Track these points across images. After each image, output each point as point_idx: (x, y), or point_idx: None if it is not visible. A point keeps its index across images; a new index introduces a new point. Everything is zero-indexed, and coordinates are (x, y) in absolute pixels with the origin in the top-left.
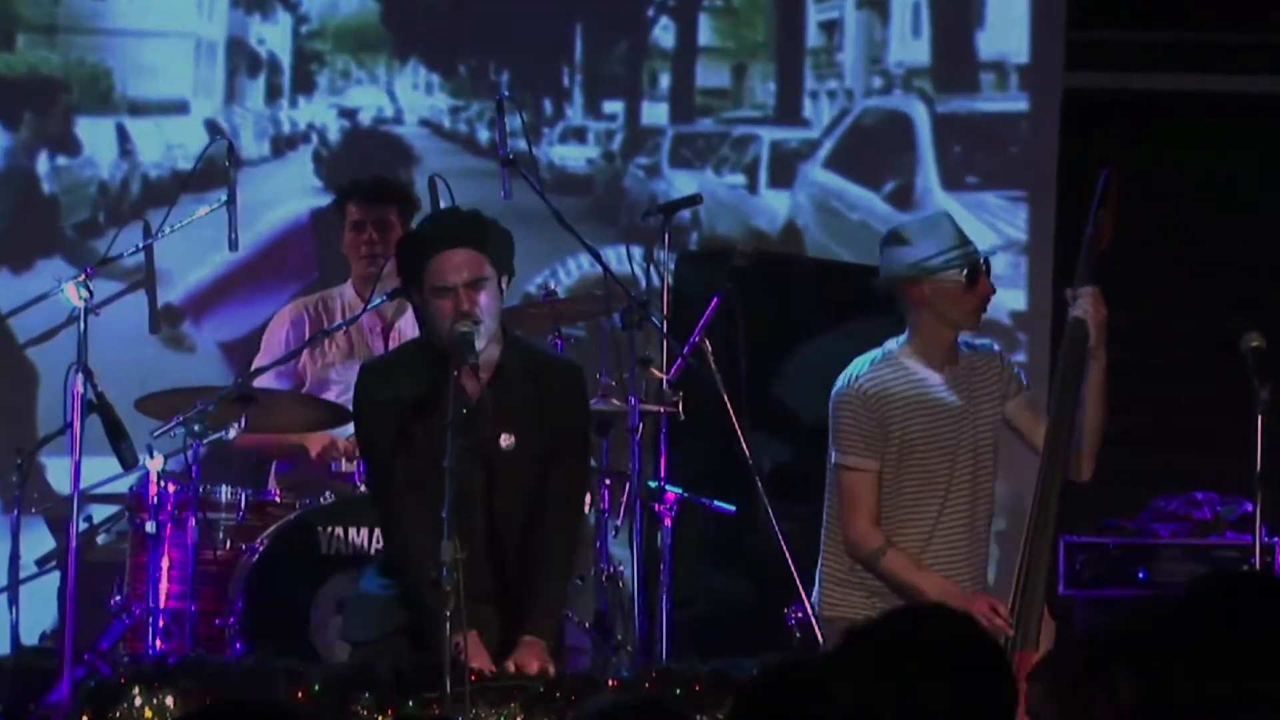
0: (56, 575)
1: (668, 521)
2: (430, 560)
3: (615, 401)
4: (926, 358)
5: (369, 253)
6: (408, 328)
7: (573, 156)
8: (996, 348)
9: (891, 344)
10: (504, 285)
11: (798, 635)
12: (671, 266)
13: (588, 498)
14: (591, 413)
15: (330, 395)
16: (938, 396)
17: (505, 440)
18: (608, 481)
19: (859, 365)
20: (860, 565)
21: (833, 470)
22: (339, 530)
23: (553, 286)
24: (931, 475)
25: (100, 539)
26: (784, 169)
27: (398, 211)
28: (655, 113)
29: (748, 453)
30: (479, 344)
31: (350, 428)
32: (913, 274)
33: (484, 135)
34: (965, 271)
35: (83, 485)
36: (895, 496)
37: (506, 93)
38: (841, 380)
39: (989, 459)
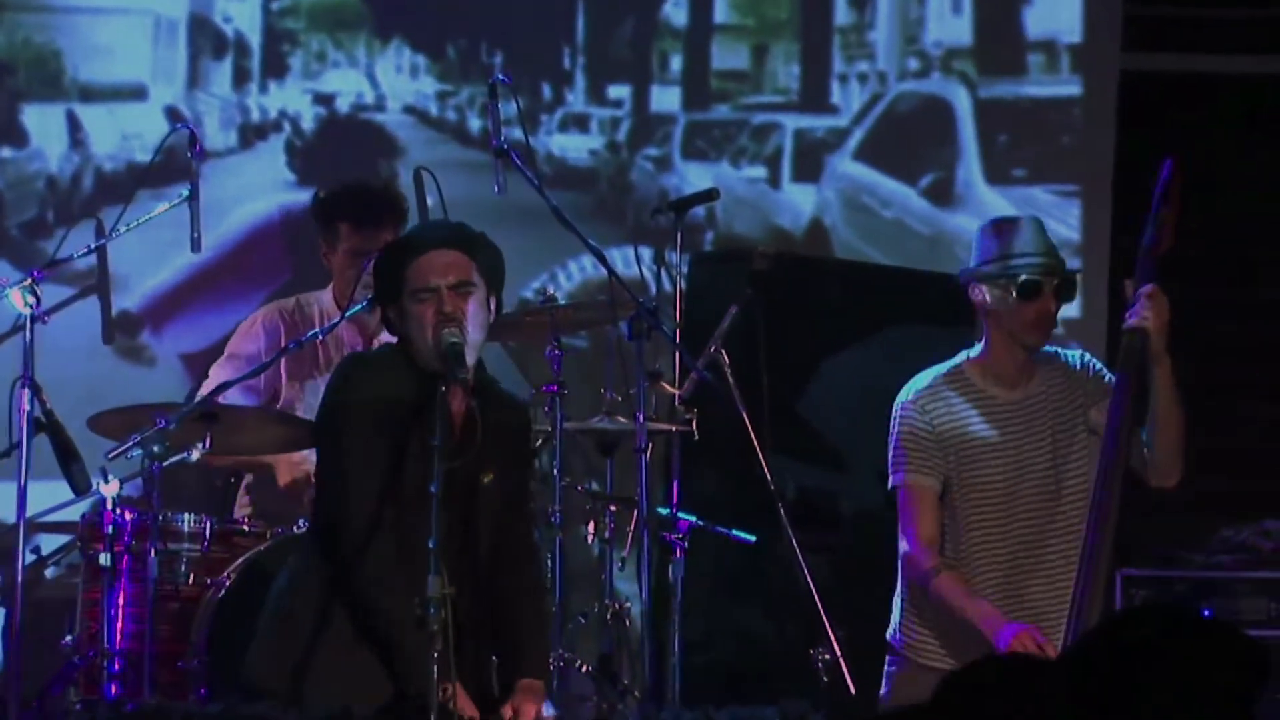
0: (0, 613)
1: (680, 553)
2: (403, 594)
3: (621, 420)
4: (997, 374)
5: (360, 276)
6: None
7: (574, 147)
8: (1077, 355)
9: (963, 356)
10: (492, 306)
11: (825, 679)
12: (684, 270)
13: (590, 526)
14: (596, 432)
15: (304, 412)
16: (1000, 422)
17: (486, 476)
18: (613, 509)
19: (923, 378)
20: (917, 587)
21: (892, 490)
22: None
23: (551, 292)
24: (993, 510)
25: (49, 573)
26: (809, 161)
27: (393, 228)
28: (666, 98)
29: (769, 477)
30: (468, 357)
31: None
32: (966, 278)
33: (475, 124)
34: (1020, 283)
35: (29, 513)
36: (962, 532)
37: (500, 76)
38: (902, 394)
39: (1070, 494)
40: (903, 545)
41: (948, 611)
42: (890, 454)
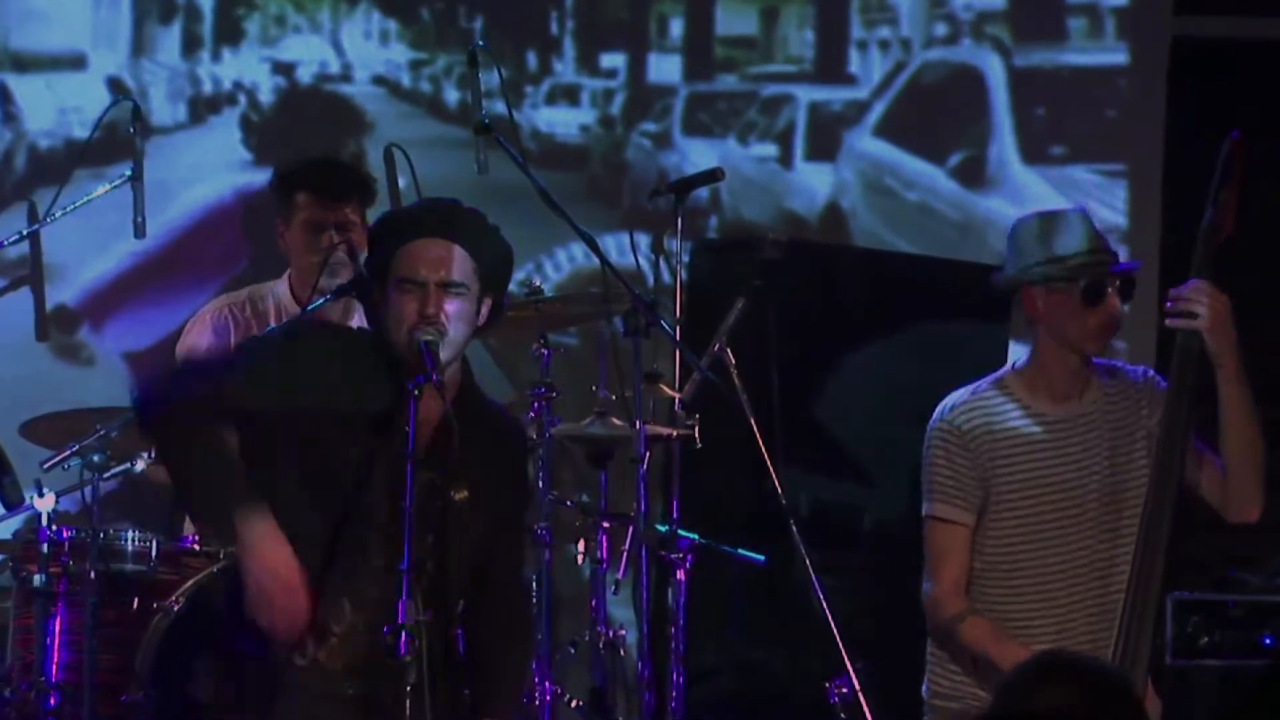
0: None
1: (681, 574)
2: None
3: (616, 424)
4: (1048, 386)
5: (327, 259)
6: None
7: (563, 122)
8: (1142, 370)
9: (1008, 367)
10: (483, 311)
11: (843, 717)
12: (686, 258)
13: (581, 544)
14: (588, 438)
15: None
16: (1054, 437)
17: (459, 493)
18: (606, 525)
19: (961, 394)
20: (940, 635)
21: (923, 520)
22: None
23: (538, 284)
24: (1048, 539)
25: None
26: (825, 138)
27: (358, 205)
28: (665, 67)
29: (780, 490)
30: (443, 356)
31: None
32: (1015, 280)
33: (452, 96)
34: (1083, 286)
35: None
36: (1005, 561)
37: (480, 43)
38: (938, 412)
39: (1126, 515)
40: (926, 586)
41: (977, 662)
42: (925, 478)
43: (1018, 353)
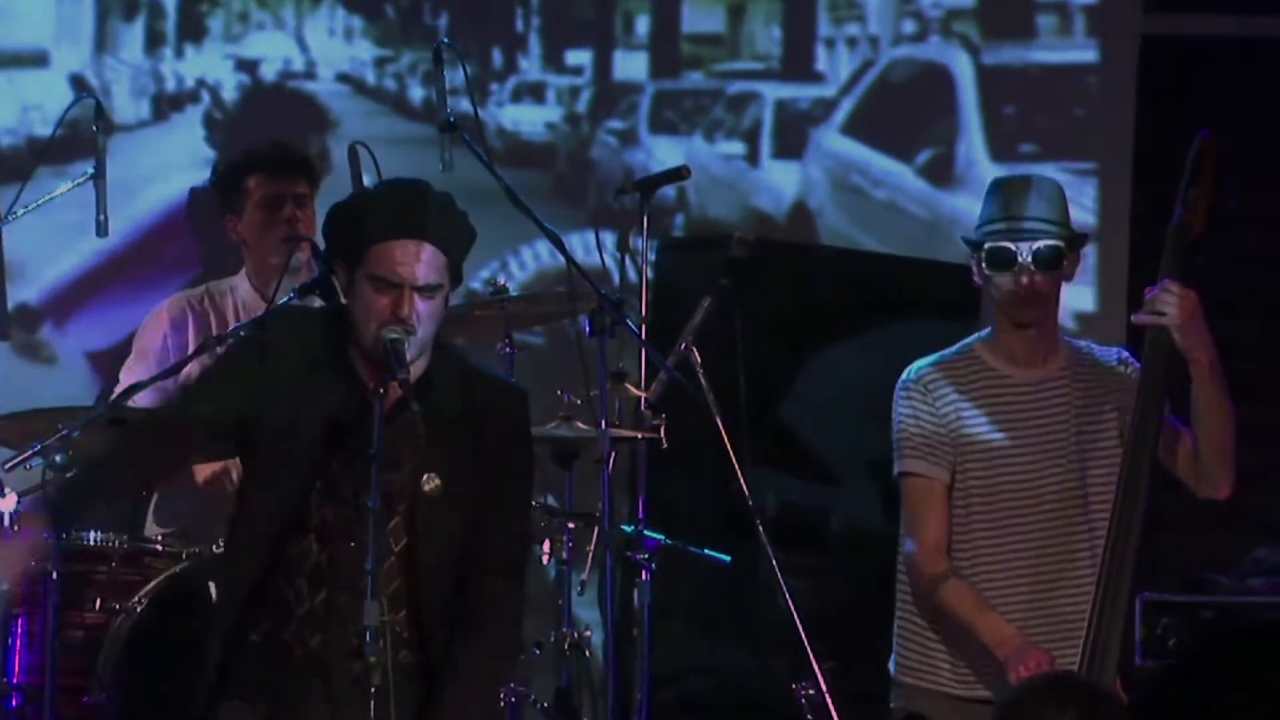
0: None
1: (646, 576)
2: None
3: (581, 426)
4: (1007, 355)
5: (289, 234)
6: None
7: (528, 120)
8: (1117, 353)
9: (974, 337)
10: (450, 299)
11: (809, 718)
12: (652, 257)
13: (546, 545)
14: (553, 440)
15: None
16: (1014, 402)
17: (429, 483)
18: (571, 526)
19: (928, 358)
20: (921, 596)
21: (897, 480)
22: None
23: (503, 282)
24: (1013, 506)
25: None
26: (792, 136)
27: (308, 184)
28: (631, 65)
29: (747, 490)
30: (408, 354)
31: None
32: (972, 243)
33: (417, 93)
34: (986, 251)
35: None
36: (977, 535)
37: (445, 40)
38: (904, 377)
39: (1105, 490)
40: (905, 546)
41: (956, 624)
42: (895, 443)
43: None
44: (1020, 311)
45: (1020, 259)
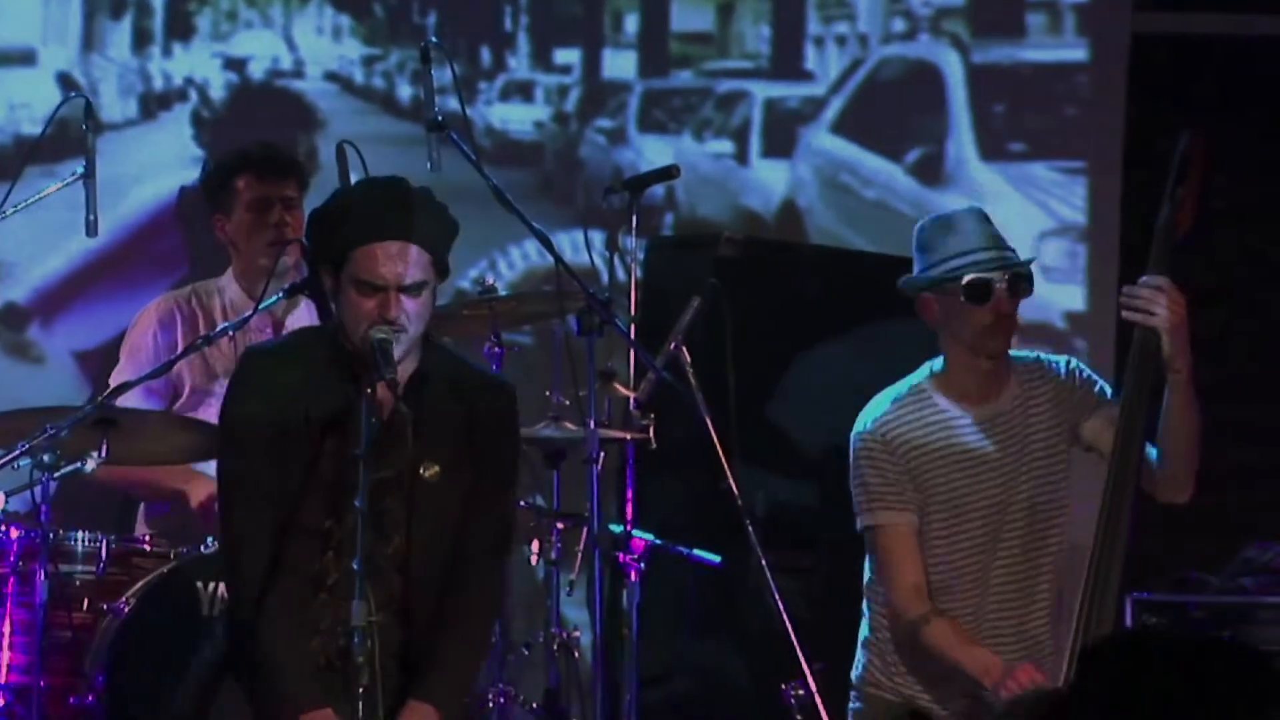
0: None
1: (635, 576)
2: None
3: (570, 426)
4: (961, 391)
5: (277, 238)
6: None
7: (517, 118)
8: (1063, 362)
9: (923, 373)
10: (436, 289)
11: (798, 717)
12: (641, 256)
13: (535, 545)
14: (541, 440)
15: (211, 416)
16: (972, 443)
17: (429, 470)
18: (560, 526)
19: (881, 403)
20: (902, 638)
21: (864, 534)
22: (224, 586)
23: (491, 281)
24: (970, 541)
25: None
26: (782, 134)
27: (297, 185)
28: (620, 63)
29: (736, 490)
30: (396, 353)
31: None
32: (913, 287)
33: (405, 92)
34: (964, 284)
35: None
36: (936, 570)
37: (434, 38)
38: (860, 423)
39: (1052, 513)
40: (884, 590)
41: (941, 659)
42: (855, 491)
43: None
44: (991, 343)
45: (997, 288)
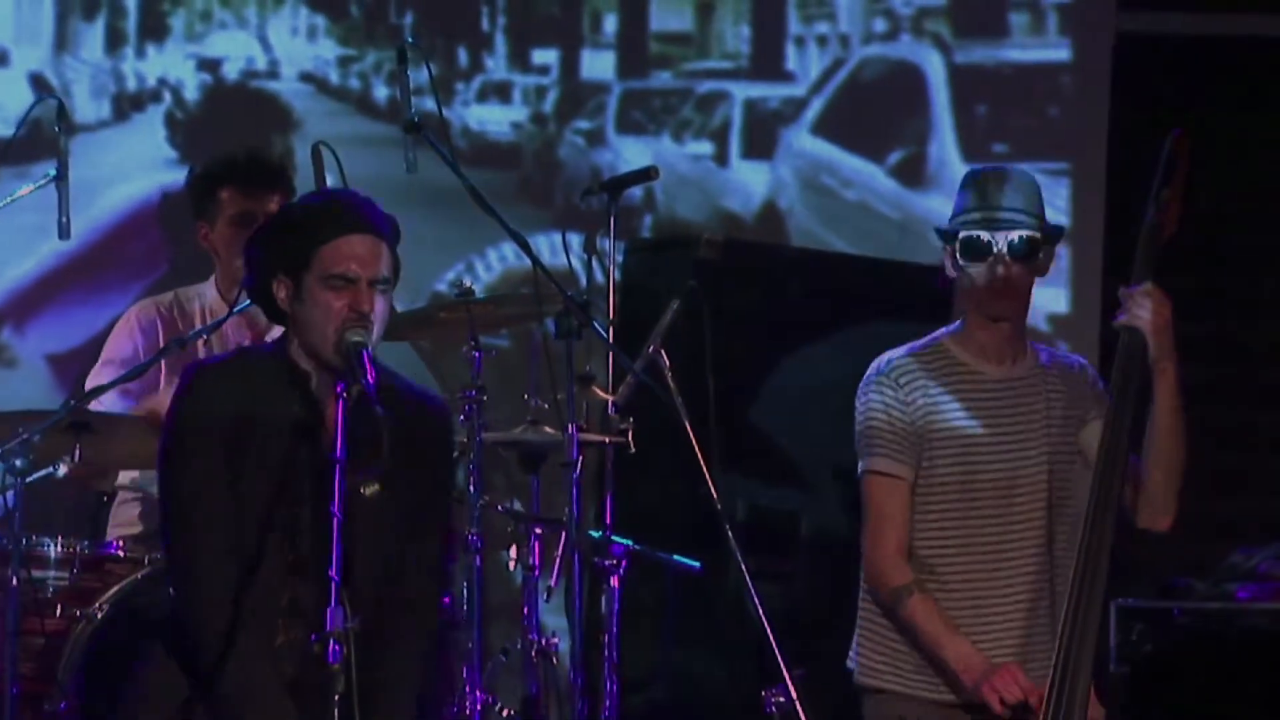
0: None
1: (615, 581)
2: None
3: (548, 430)
4: (978, 347)
5: None
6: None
7: (494, 120)
8: (1078, 360)
9: (942, 331)
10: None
11: None
12: (619, 259)
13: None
14: (519, 444)
15: None
16: (987, 399)
17: (369, 488)
18: (538, 531)
19: (897, 352)
20: (879, 605)
21: (860, 478)
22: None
23: (468, 284)
24: (982, 507)
25: None
26: (762, 135)
27: (281, 199)
28: (598, 64)
29: (716, 495)
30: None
31: None
32: (943, 236)
33: (381, 93)
34: (960, 241)
35: None
36: (933, 529)
37: (410, 39)
38: (875, 365)
39: (1065, 492)
40: (866, 549)
41: (918, 642)
42: (860, 439)
43: None
44: (994, 304)
45: (996, 249)
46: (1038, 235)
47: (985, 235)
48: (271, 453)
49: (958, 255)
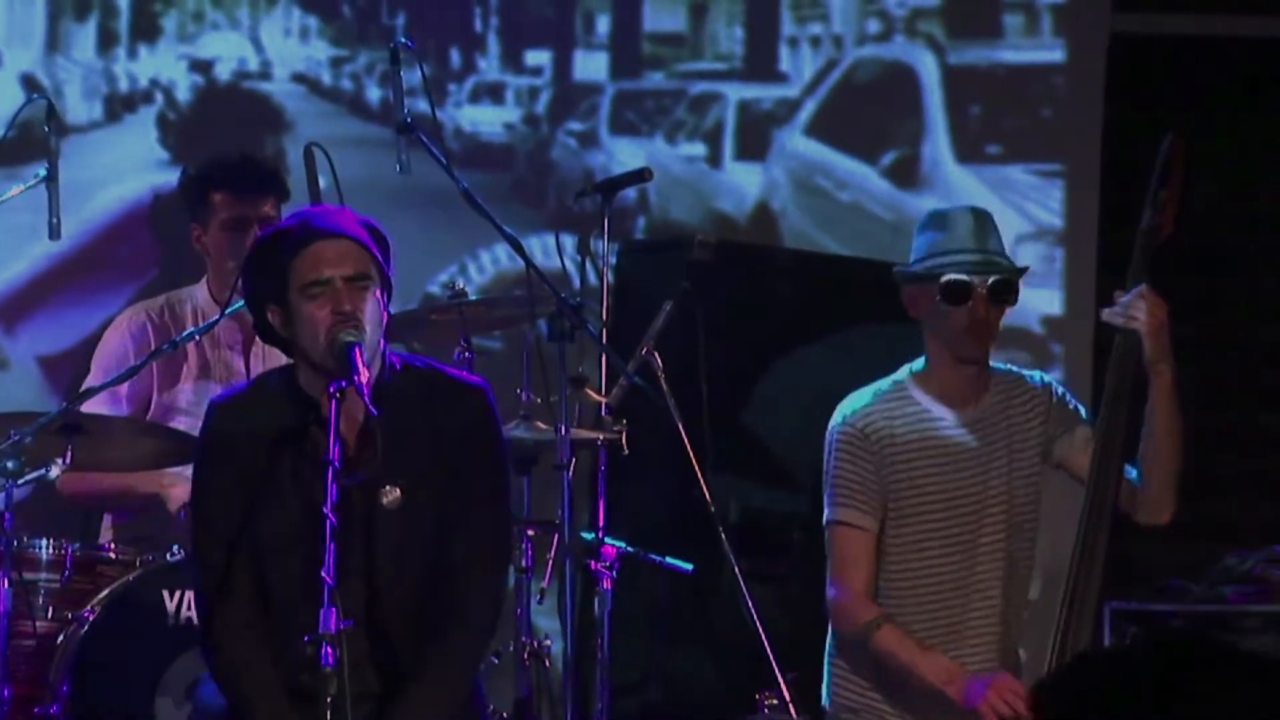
0: None
1: (607, 583)
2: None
3: (541, 425)
4: (942, 390)
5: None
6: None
7: (487, 121)
8: (1039, 377)
9: (905, 371)
10: (385, 302)
11: None
12: (612, 260)
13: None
14: (510, 445)
15: (179, 424)
16: (954, 441)
17: (389, 496)
18: (530, 533)
19: (862, 397)
20: (846, 642)
21: (826, 528)
22: (190, 594)
23: (461, 286)
24: (945, 542)
25: None
26: (755, 137)
27: (275, 204)
28: (591, 65)
29: (709, 497)
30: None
31: None
32: (900, 279)
33: (374, 94)
34: (941, 284)
35: None
36: (908, 571)
37: (403, 39)
38: (838, 415)
39: (1027, 524)
40: (832, 593)
41: (895, 671)
42: (827, 484)
43: None
44: (969, 347)
45: (977, 291)
46: (1015, 277)
47: (967, 278)
48: (287, 479)
49: (938, 298)
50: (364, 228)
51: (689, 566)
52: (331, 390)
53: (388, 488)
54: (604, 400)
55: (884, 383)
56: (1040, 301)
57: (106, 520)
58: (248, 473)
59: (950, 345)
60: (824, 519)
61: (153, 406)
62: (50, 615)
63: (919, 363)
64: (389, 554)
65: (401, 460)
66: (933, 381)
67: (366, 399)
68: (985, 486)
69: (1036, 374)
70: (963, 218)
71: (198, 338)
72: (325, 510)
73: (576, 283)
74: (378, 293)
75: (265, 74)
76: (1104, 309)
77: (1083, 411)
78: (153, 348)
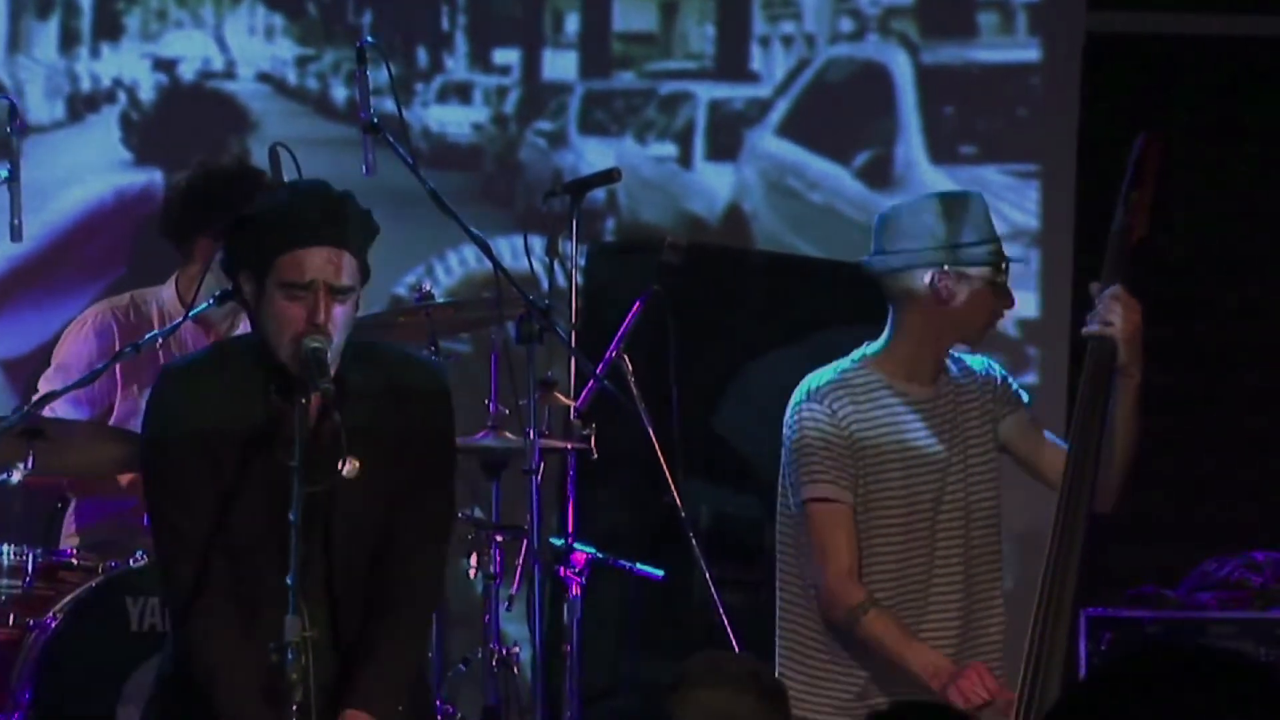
0: None
1: (576, 590)
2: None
3: (509, 436)
4: (912, 368)
5: (208, 264)
6: None
7: (454, 121)
8: (982, 363)
9: (860, 353)
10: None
11: None
12: (582, 262)
13: (473, 558)
14: (481, 450)
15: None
16: (921, 418)
17: (348, 466)
18: (499, 539)
19: (823, 375)
20: (833, 628)
21: (797, 511)
22: (154, 600)
23: (428, 288)
24: (913, 521)
25: None
26: (726, 137)
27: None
28: (560, 64)
29: (679, 502)
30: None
31: None
32: (944, 258)
33: (340, 93)
34: (1002, 271)
35: None
36: (869, 552)
37: (369, 38)
38: (800, 393)
39: (989, 512)
40: (817, 577)
41: (880, 656)
42: (795, 465)
43: None
44: (982, 332)
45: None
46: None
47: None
48: (246, 453)
49: (990, 284)
50: (362, 227)
51: (659, 573)
52: (298, 398)
53: (347, 459)
54: (573, 404)
55: (842, 363)
56: (1016, 304)
57: (69, 526)
58: (208, 446)
59: (962, 329)
60: (800, 498)
61: (115, 410)
62: (11, 622)
63: (880, 342)
64: (346, 526)
65: (353, 437)
66: (897, 361)
67: (332, 406)
68: (946, 458)
69: (978, 358)
70: (977, 203)
71: (161, 340)
72: (290, 516)
73: (545, 285)
74: (356, 297)
75: (230, 73)
76: (1084, 328)
77: (1024, 395)
78: (118, 348)
